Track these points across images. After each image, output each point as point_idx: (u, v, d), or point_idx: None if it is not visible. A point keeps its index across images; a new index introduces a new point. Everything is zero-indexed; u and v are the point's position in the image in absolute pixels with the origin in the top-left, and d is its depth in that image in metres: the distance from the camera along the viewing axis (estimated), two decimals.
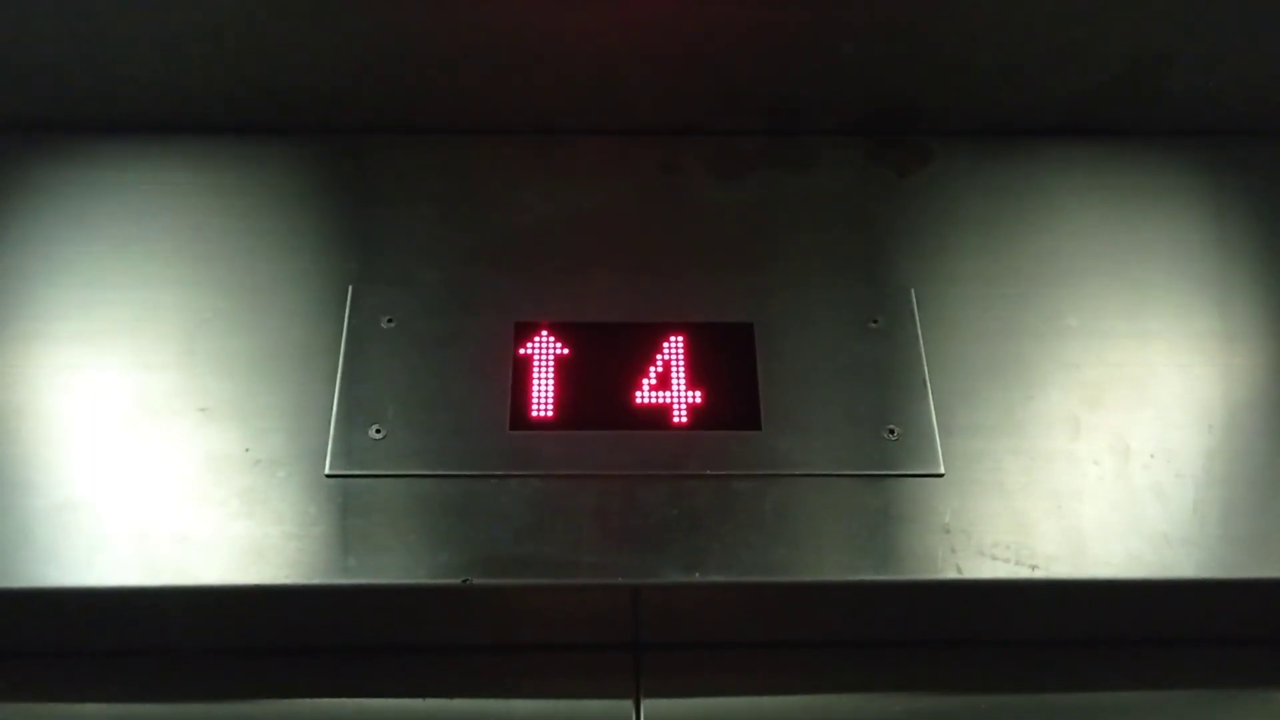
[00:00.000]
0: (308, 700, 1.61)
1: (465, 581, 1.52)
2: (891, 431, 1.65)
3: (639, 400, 1.66)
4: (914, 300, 1.76)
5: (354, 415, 1.64)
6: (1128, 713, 1.64)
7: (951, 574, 1.55)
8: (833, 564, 1.56)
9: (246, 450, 1.61)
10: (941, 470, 1.62)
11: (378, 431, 1.62)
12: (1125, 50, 1.85)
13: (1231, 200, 1.92)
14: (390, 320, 1.72)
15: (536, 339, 1.70)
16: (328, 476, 1.59)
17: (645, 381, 1.68)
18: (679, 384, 1.68)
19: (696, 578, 1.54)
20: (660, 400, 1.67)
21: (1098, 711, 1.63)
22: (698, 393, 1.67)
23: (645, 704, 1.60)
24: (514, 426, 1.63)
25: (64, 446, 1.61)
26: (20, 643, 1.61)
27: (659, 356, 1.69)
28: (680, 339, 1.71)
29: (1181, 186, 1.93)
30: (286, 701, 1.61)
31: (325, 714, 1.60)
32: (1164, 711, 1.65)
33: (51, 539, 1.54)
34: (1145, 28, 1.83)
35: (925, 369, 1.70)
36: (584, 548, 1.56)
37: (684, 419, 1.66)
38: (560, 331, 1.71)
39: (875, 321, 1.74)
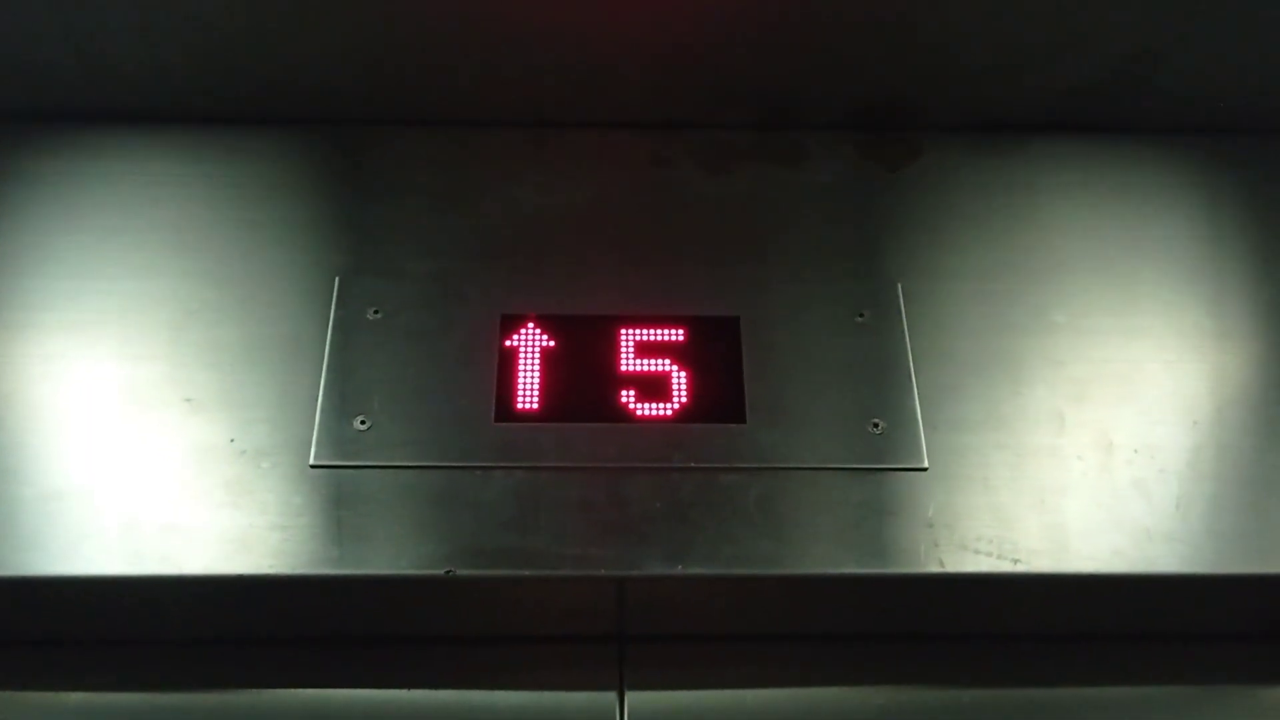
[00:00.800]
0: (292, 690, 1.61)
1: (448, 572, 1.52)
2: (876, 425, 1.65)
3: (624, 393, 1.67)
4: (901, 295, 1.76)
5: (339, 406, 1.64)
6: (1110, 707, 1.64)
7: (934, 568, 1.55)
8: (816, 557, 1.57)
9: (232, 441, 1.61)
10: (925, 464, 1.63)
11: (363, 422, 1.63)
12: (1116, 47, 1.85)
13: (1222, 197, 1.92)
14: (377, 312, 1.72)
15: (522, 331, 1.70)
16: (312, 467, 1.59)
17: (631, 374, 1.68)
18: (664, 377, 1.68)
19: (680, 570, 1.54)
20: (645, 393, 1.67)
21: (1080, 706, 1.63)
22: (683, 386, 1.67)
23: (629, 696, 1.60)
24: (499, 418, 1.64)
25: (51, 436, 1.62)
26: (5, 631, 1.62)
27: (645, 349, 1.69)
28: (666, 332, 1.71)
29: (1172, 183, 1.93)
30: (270, 691, 1.61)
31: (310, 704, 1.61)
32: (1147, 706, 1.65)
33: (38, 528, 1.54)
34: (1136, 24, 1.83)
35: (911, 363, 1.70)
36: (568, 540, 1.56)
37: (669, 412, 1.66)
38: (546, 324, 1.71)
39: (862, 315, 1.75)
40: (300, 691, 1.61)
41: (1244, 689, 1.67)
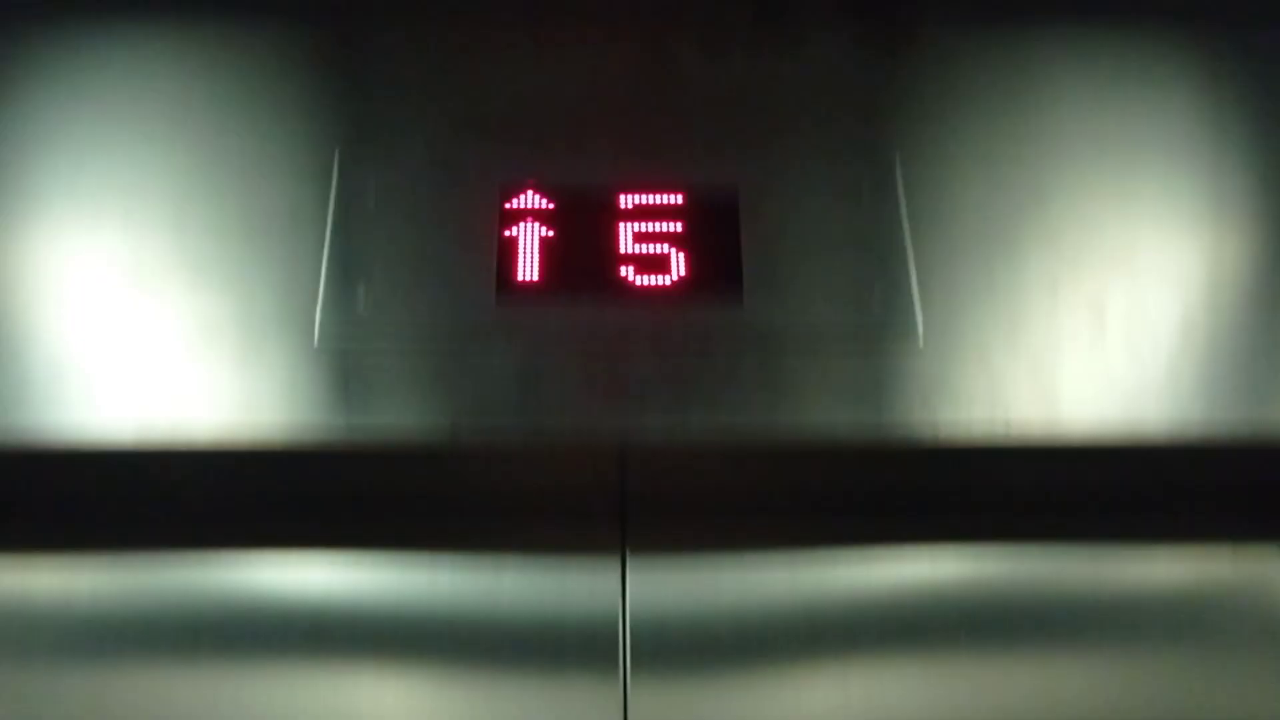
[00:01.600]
0: (298, 552, 1.65)
1: (452, 439, 1.55)
2: (873, 297, 1.67)
3: (624, 267, 1.67)
4: (899, 171, 1.77)
5: (342, 282, 1.65)
6: (1100, 571, 1.68)
7: (929, 436, 1.58)
8: (813, 428, 1.59)
9: (237, 315, 1.62)
10: (921, 335, 1.64)
11: (366, 298, 1.64)
12: None
13: (1228, 86, 1.90)
14: (378, 187, 1.72)
15: (522, 201, 1.70)
16: (316, 342, 1.61)
17: (630, 248, 1.68)
18: (663, 252, 1.69)
19: (679, 437, 1.57)
20: (645, 267, 1.67)
21: (1075, 565, 1.67)
22: (681, 259, 1.68)
23: (630, 560, 1.64)
24: (500, 291, 1.65)
25: (56, 310, 1.63)
26: (15, 501, 1.64)
27: (644, 215, 1.70)
28: (665, 197, 1.71)
29: (1177, 70, 1.91)
30: (278, 554, 1.65)
31: (317, 568, 1.65)
32: (1138, 569, 1.69)
33: (45, 400, 1.56)
34: None
35: (907, 237, 1.71)
36: (570, 410, 1.59)
37: (668, 285, 1.67)
38: (545, 194, 1.71)
39: (859, 191, 1.75)
40: (306, 552, 1.65)
41: (1230, 548, 1.71)
